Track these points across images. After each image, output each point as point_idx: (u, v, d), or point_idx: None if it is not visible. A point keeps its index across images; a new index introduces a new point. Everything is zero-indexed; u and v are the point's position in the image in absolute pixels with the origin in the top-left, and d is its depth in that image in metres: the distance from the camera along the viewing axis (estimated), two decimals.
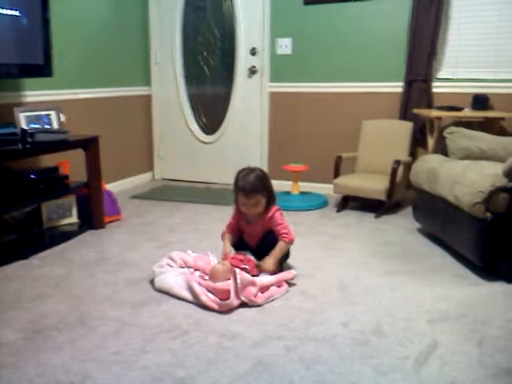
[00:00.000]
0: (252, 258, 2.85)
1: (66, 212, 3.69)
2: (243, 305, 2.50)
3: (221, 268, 2.70)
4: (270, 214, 2.89)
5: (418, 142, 4.42)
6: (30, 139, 3.23)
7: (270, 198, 2.92)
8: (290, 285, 2.75)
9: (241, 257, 2.82)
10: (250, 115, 5.10)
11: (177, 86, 5.33)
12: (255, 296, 2.53)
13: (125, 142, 5.05)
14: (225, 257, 2.85)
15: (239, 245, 3.02)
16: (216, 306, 2.46)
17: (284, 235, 2.87)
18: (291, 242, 2.89)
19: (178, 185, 5.30)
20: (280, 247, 2.85)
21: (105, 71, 4.69)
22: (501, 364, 2.02)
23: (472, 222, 2.87)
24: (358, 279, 2.87)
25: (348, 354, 2.10)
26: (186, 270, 2.82)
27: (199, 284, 2.59)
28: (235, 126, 5.19)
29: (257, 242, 2.96)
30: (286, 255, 2.95)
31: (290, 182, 4.52)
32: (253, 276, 2.64)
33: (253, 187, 2.83)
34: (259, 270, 2.78)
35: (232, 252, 2.95)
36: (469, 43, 4.26)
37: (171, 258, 2.92)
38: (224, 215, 4.11)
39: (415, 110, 4.26)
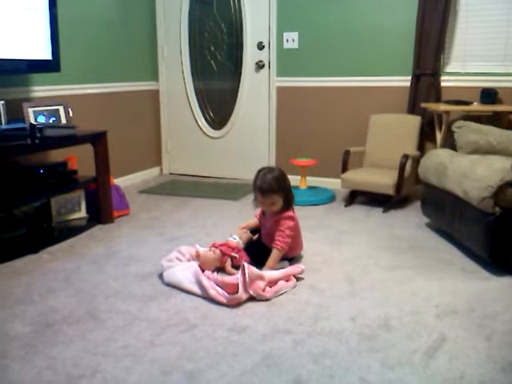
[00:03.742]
0: (241, 244, 2.94)
1: (75, 207, 3.70)
2: (251, 299, 2.51)
3: (211, 255, 2.80)
4: (280, 217, 2.91)
5: (426, 137, 4.41)
6: (38, 134, 3.24)
7: (287, 199, 2.92)
8: (298, 279, 2.76)
9: (233, 245, 2.87)
10: (257, 110, 5.10)
11: (184, 80, 5.34)
12: (263, 290, 2.54)
13: (133, 137, 5.06)
14: (214, 244, 2.90)
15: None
16: (224, 300, 2.47)
17: (277, 241, 2.85)
18: (283, 249, 2.86)
19: (186, 179, 5.31)
20: (273, 256, 2.84)
21: (112, 66, 4.70)
22: (509, 358, 2.02)
23: (480, 217, 2.87)
24: (366, 273, 2.87)
25: (356, 348, 2.10)
26: (193, 262, 2.84)
27: (208, 278, 2.60)
28: (243, 121, 5.19)
29: (266, 239, 2.99)
30: (289, 260, 2.96)
31: (298, 177, 4.52)
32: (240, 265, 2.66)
33: (269, 187, 2.86)
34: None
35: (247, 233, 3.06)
36: (477, 37, 4.23)
37: (180, 252, 2.94)
38: (232, 210, 4.13)
39: (423, 104, 4.24)
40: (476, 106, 4.01)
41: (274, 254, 2.84)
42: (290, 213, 2.93)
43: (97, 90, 4.51)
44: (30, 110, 3.55)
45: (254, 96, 5.09)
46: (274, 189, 2.86)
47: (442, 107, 4.00)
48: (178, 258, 2.90)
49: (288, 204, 2.93)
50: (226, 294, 2.49)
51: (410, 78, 4.38)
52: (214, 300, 2.49)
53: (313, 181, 4.68)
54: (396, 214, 4.02)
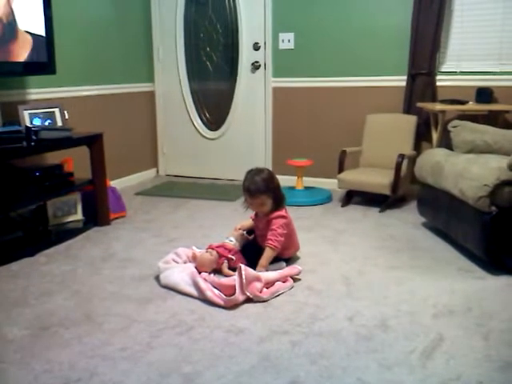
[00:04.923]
0: (237, 246, 2.94)
1: (71, 209, 3.69)
2: (248, 300, 2.51)
3: (208, 257, 2.81)
4: (271, 217, 2.90)
5: (422, 136, 4.41)
6: (34, 137, 3.23)
7: (277, 199, 2.92)
8: (295, 280, 2.76)
9: (229, 247, 2.89)
10: (253, 111, 5.10)
11: (180, 82, 5.33)
12: (260, 291, 2.54)
13: (129, 139, 5.05)
14: (210, 246, 2.91)
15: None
16: (221, 302, 2.46)
17: (269, 240, 2.84)
18: (275, 248, 2.83)
19: (183, 181, 5.31)
20: (266, 255, 2.82)
21: (108, 68, 4.70)
22: (507, 358, 2.02)
23: (477, 216, 2.87)
24: (363, 274, 2.87)
25: (353, 348, 2.10)
26: (190, 264, 2.84)
27: (204, 280, 2.60)
28: (239, 122, 5.19)
29: (259, 240, 2.99)
30: (285, 260, 2.96)
31: (295, 177, 4.52)
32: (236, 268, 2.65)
33: (256, 188, 2.86)
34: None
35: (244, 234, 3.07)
36: (472, 36, 4.24)
37: (177, 254, 2.94)
38: (228, 211, 4.13)
39: (419, 104, 4.24)
40: (471, 106, 4.01)
41: (267, 253, 2.83)
42: (282, 212, 2.93)
43: (92, 92, 4.50)
44: (26, 113, 3.54)
45: (250, 97, 5.09)
46: (261, 190, 2.86)
47: (438, 107, 4.00)
48: (174, 260, 2.89)
49: (278, 204, 2.93)
50: (222, 295, 2.49)
51: (405, 77, 4.39)
52: (211, 302, 2.48)
53: (309, 181, 4.68)
54: (392, 214, 4.03)
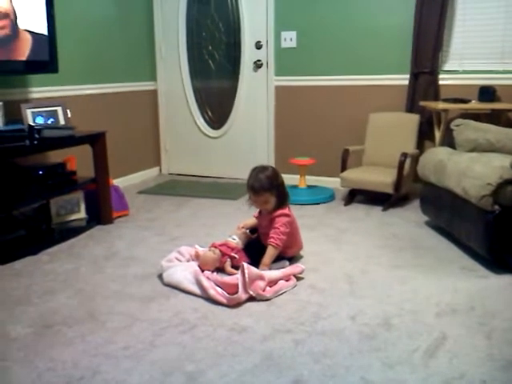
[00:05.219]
0: (240, 245, 2.95)
1: (74, 207, 3.69)
2: (251, 299, 2.51)
3: (211, 256, 2.81)
4: (275, 215, 2.91)
5: (424, 135, 4.40)
6: (37, 135, 3.24)
7: (281, 197, 2.92)
8: (298, 279, 2.76)
9: (232, 245, 2.90)
10: (256, 109, 5.10)
11: (182, 80, 5.33)
12: (263, 290, 2.54)
13: (131, 138, 5.06)
14: (213, 244, 2.91)
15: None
16: (224, 300, 2.47)
17: (271, 238, 2.84)
18: (277, 246, 2.84)
19: (185, 179, 5.31)
20: (268, 253, 2.83)
21: (110, 67, 4.70)
22: (509, 357, 2.02)
23: (480, 215, 2.87)
24: (366, 272, 2.87)
25: (356, 347, 2.10)
26: (193, 262, 2.85)
27: (207, 278, 2.60)
28: (241, 121, 5.19)
29: (262, 238, 2.99)
30: (288, 259, 2.96)
31: (298, 176, 4.52)
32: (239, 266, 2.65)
33: (260, 185, 2.87)
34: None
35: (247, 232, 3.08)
36: (475, 34, 4.23)
37: (179, 253, 2.94)
38: (231, 209, 4.13)
39: (422, 103, 4.24)
40: (474, 104, 4.00)
41: (269, 251, 2.83)
42: (285, 210, 2.93)
43: (95, 90, 4.50)
44: (29, 111, 3.54)
45: (252, 95, 5.08)
46: (265, 187, 2.87)
47: (441, 105, 4.00)
48: (177, 259, 2.89)
49: (282, 202, 2.93)
50: (225, 294, 2.49)
51: (408, 76, 4.38)
52: (214, 300, 2.49)
53: (312, 180, 4.67)
54: (395, 213, 4.02)
